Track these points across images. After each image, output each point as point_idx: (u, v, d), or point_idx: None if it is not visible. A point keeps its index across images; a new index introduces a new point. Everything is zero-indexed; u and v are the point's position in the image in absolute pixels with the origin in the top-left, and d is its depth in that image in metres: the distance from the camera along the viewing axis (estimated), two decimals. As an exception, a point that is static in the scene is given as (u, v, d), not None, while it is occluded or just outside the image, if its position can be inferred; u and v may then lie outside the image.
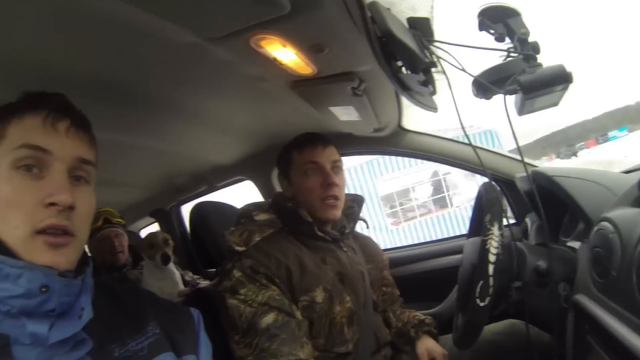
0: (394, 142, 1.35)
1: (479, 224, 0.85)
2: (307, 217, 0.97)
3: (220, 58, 0.77)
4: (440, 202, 10.46)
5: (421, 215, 10.30)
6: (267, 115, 1.18)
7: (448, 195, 10.37)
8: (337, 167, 1.02)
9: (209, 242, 1.22)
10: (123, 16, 0.61)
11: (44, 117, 0.52)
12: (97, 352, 0.52)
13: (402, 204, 10.29)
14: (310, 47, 0.71)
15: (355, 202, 1.11)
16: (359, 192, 1.20)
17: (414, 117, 1.27)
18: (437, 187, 10.50)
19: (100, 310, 0.56)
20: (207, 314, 0.73)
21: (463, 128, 0.74)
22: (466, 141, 1.32)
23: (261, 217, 1.00)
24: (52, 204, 0.49)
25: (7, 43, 0.64)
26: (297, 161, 1.02)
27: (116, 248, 1.69)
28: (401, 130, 1.34)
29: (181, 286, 1.52)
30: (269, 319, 0.83)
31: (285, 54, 0.73)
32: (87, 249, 0.67)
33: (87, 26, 0.63)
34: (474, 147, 1.05)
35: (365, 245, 1.17)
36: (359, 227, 1.19)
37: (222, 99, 1.02)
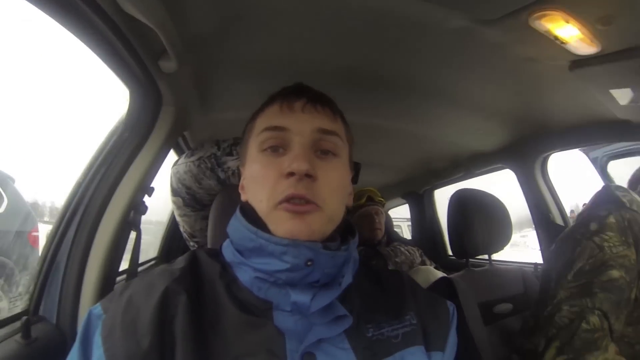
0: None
1: None
2: None
3: (491, 40, 0.77)
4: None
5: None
6: (534, 100, 1.12)
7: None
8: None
9: (465, 231, 1.16)
10: (392, 8, 0.64)
11: (280, 103, 0.56)
12: (352, 329, 0.50)
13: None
14: (596, 20, 0.66)
15: None
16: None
17: None
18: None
19: (362, 288, 0.56)
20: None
21: None
22: None
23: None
24: (290, 174, 0.50)
25: (276, 41, 0.70)
26: None
27: (376, 225, 1.80)
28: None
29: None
30: None
31: (566, 30, 0.71)
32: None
33: (352, 21, 0.67)
34: None
35: None
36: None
37: (486, 83, 1.02)
